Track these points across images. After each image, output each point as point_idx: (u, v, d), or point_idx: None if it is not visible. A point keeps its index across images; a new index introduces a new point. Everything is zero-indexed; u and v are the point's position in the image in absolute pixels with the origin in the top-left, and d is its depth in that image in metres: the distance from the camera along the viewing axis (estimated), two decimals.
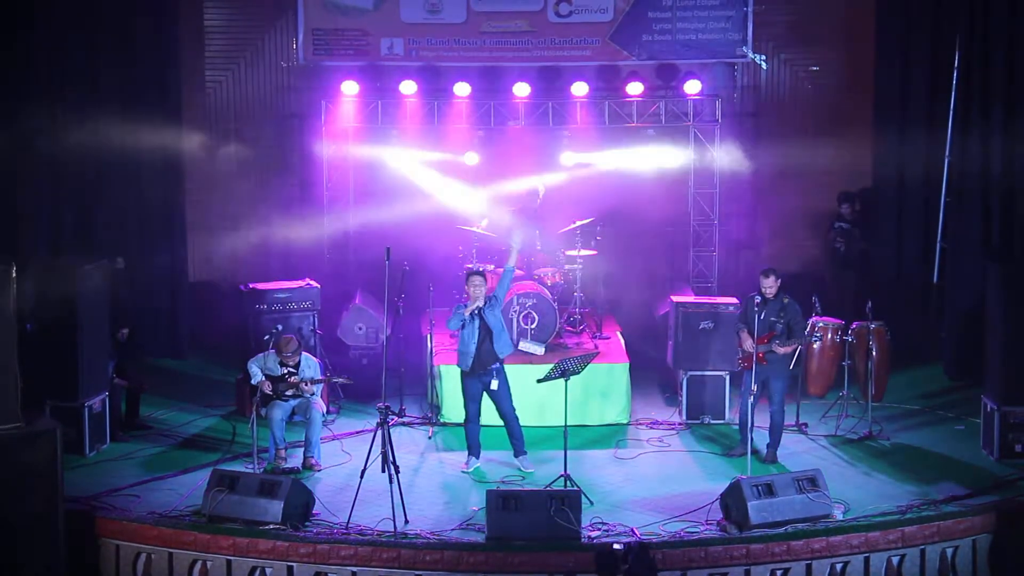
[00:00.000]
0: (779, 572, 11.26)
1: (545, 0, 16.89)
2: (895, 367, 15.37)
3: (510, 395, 13.14)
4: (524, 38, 16.96)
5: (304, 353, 13.35)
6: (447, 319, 13.28)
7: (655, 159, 17.32)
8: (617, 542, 10.62)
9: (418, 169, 17.21)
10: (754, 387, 12.79)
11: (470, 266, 15.37)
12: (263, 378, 13.11)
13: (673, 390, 15.13)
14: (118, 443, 13.73)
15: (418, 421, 14.56)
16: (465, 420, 13.24)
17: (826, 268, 17.45)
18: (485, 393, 13.09)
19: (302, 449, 13.23)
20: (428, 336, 14.89)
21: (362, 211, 17.37)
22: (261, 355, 13.32)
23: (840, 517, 11.68)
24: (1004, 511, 11.83)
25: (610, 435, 14.17)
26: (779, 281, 13.30)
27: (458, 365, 13.15)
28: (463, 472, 13.12)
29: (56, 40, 15.43)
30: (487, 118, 17.01)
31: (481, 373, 12.99)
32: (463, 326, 12.96)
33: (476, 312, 12.89)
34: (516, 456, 13.23)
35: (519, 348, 14.46)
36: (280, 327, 13.90)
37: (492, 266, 15.36)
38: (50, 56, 15.36)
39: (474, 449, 13.21)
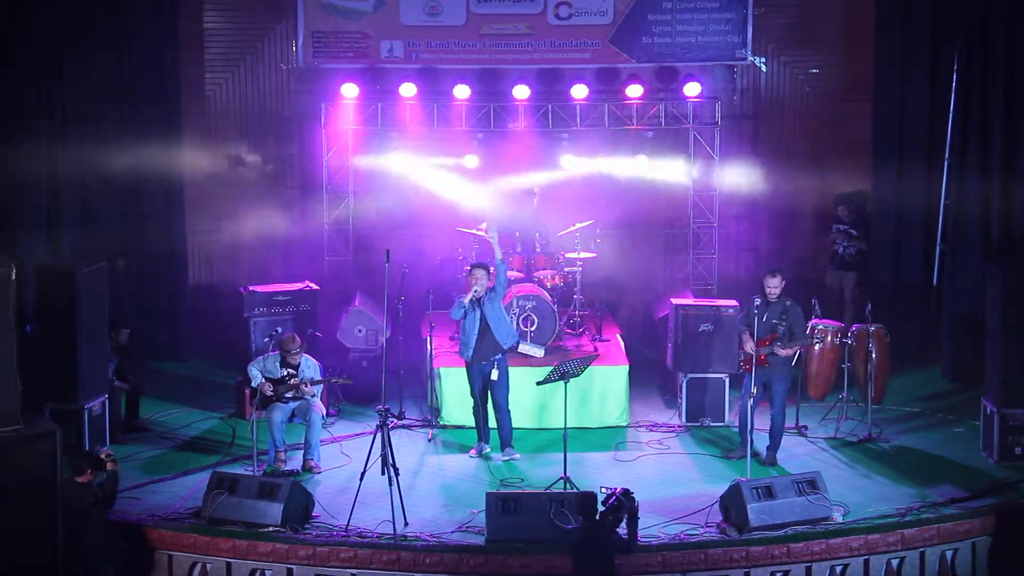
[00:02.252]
0: (779, 574, 11.27)
1: (545, 2, 16.88)
2: (895, 370, 15.35)
3: (507, 387, 13.35)
4: (524, 40, 16.95)
5: (304, 355, 13.37)
6: (451, 310, 13.46)
7: (654, 161, 17.38)
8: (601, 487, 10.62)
9: (420, 168, 17.23)
10: (754, 389, 12.81)
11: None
12: (263, 380, 13.13)
13: (673, 392, 15.13)
14: (118, 445, 13.69)
15: (418, 423, 14.56)
16: (473, 407, 13.46)
17: (825, 270, 17.45)
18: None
19: (302, 451, 13.24)
20: (428, 338, 14.89)
21: (362, 213, 17.39)
22: (261, 358, 13.36)
23: (840, 519, 11.69)
24: (1004, 513, 11.84)
25: (610, 437, 14.16)
26: (784, 282, 13.33)
27: (460, 355, 13.37)
28: (471, 457, 13.29)
29: (55, 43, 15.42)
30: (487, 120, 17.01)
31: (482, 363, 13.20)
32: (465, 316, 13.17)
33: (476, 303, 13.09)
34: (501, 448, 13.38)
35: (519, 351, 14.45)
36: (280, 329, 13.92)
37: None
38: (49, 58, 15.36)
39: (483, 434, 13.42)
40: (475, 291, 13.20)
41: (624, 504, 10.08)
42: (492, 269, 13.59)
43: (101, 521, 11.03)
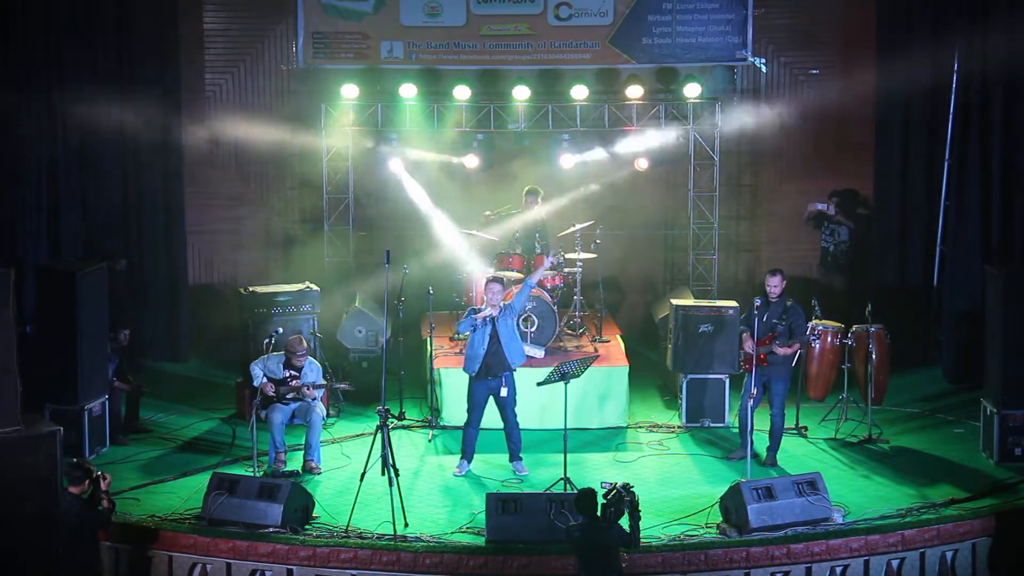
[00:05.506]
0: (779, 575, 11.26)
1: (545, 3, 16.87)
2: (895, 370, 15.34)
3: (515, 403, 13.14)
4: (524, 41, 16.95)
5: (308, 357, 13.34)
6: (458, 321, 13.28)
7: (654, 161, 17.38)
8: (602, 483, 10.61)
9: (419, 169, 17.20)
10: (754, 389, 12.81)
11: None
12: (265, 380, 13.12)
13: (673, 393, 15.13)
14: (118, 446, 13.74)
15: (418, 424, 14.57)
16: (465, 424, 13.24)
17: (816, 268, 17.47)
18: (491, 398, 13.10)
19: (302, 452, 13.24)
20: (428, 339, 14.89)
21: (362, 214, 17.38)
22: (262, 358, 13.33)
23: (840, 520, 11.68)
24: (1004, 514, 11.84)
25: (610, 438, 14.17)
26: (784, 282, 13.34)
27: (465, 370, 13.16)
28: (455, 476, 13.12)
29: (56, 44, 15.42)
30: (487, 121, 17.00)
31: (489, 379, 12.99)
32: (474, 330, 12.97)
33: (489, 319, 12.91)
34: (511, 460, 13.24)
35: None
36: (280, 330, 13.91)
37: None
38: (49, 59, 15.36)
39: (468, 454, 13.21)
40: (489, 313, 12.86)
41: (624, 496, 10.09)
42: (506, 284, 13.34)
43: (90, 541, 10.92)
